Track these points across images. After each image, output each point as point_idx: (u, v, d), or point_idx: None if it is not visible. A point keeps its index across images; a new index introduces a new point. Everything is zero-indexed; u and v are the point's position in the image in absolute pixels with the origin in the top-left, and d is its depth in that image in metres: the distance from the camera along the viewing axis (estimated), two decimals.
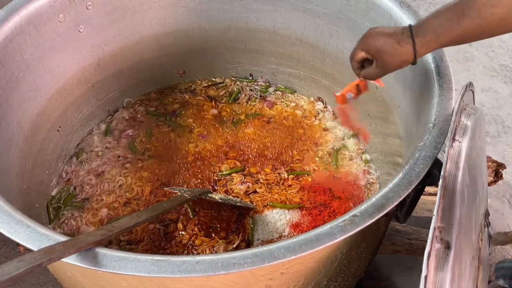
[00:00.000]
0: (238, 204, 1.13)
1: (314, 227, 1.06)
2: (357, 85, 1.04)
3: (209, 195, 1.12)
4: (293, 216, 1.15)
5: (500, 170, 1.47)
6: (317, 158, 1.30)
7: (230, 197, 1.17)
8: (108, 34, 1.26)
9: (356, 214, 0.69)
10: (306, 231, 1.09)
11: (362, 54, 0.89)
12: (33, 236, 0.66)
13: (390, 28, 0.85)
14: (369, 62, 0.90)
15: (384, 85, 1.00)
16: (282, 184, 1.23)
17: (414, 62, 0.83)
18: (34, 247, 0.65)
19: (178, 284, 0.72)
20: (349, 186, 1.23)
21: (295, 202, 1.18)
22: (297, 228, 1.13)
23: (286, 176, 1.25)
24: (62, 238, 0.66)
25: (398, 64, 0.84)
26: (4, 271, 0.55)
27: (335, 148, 1.33)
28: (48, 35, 1.10)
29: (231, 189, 1.21)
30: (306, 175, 1.25)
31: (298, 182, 1.24)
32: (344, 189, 1.22)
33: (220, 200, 1.11)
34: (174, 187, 1.19)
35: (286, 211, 1.16)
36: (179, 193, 1.06)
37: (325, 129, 1.40)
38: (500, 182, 1.51)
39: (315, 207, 1.16)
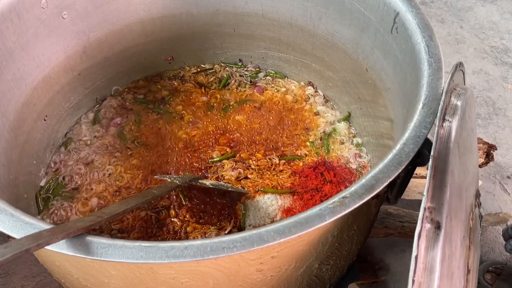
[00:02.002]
0: (230, 189, 1.13)
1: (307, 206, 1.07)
2: None
3: (200, 181, 1.11)
4: (285, 201, 1.14)
5: (491, 152, 1.47)
6: (308, 143, 1.30)
7: (221, 182, 1.16)
8: (93, 21, 1.23)
9: (346, 196, 0.69)
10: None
11: None
12: (18, 225, 0.65)
13: None
14: None
15: None
16: (274, 169, 1.23)
17: None
18: (18, 235, 0.64)
19: (168, 270, 0.71)
20: (340, 170, 1.23)
21: (286, 187, 1.18)
22: (289, 213, 1.13)
23: (277, 161, 1.24)
24: (47, 226, 0.65)
25: None
26: None
27: (326, 132, 1.33)
28: (31, 22, 1.08)
29: (222, 175, 1.20)
30: (297, 160, 1.25)
31: (289, 167, 1.23)
32: (335, 173, 1.21)
33: (211, 186, 1.10)
34: (164, 175, 1.17)
35: (278, 196, 1.15)
36: (169, 180, 1.05)
37: (316, 114, 1.39)
38: (491, 163, 1.52)
39: (306, 192, 1.16)
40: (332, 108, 1.41)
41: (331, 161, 1.26)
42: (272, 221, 1.12)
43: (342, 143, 1.32)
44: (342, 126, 1.35)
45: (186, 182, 1.06)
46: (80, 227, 0.65)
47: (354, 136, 1.33)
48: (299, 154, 1.27)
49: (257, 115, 1.37)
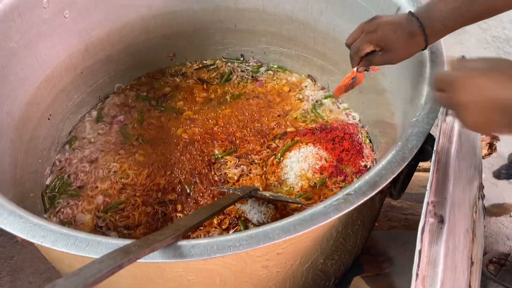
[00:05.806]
0: (289, 201, 1.11)
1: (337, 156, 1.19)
2: (353, 78, 0.99)
3: (259, 192, 1.10)
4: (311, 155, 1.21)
5: (494, 143, 1.47)
6: (297, 117, 1.34)
7: (279, 194, 1.15)
8: (94, 19, 1.23)
9: (350, 193, 0.69)
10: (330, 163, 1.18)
11: (370, 48, 0.83)
12: (27, 227, 0.66)
13: (395, 18, 0.80)
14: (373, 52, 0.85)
15: (379, 69, 1.00)
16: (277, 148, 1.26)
17: (424, 49, 0.81)
18: (28, 237, 0.65)
19: (175, 268, 0.72)
20: (345, 127, 1.30)
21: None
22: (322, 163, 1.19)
23: (277, 144, 1.26)
24: (55, 227, 0.66)
25: (409, 55, 0.81)
26: (87, 273, 0.53)
27: (310, 108, 1.38)
28: (33, 22, 1.08)
29: (225, 173, 1.20)
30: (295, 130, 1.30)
31: (296, 133, 1.28)
32: (338, 127, 1.30)
33: (271, 198, 1.09)
34: (222, 186, 1.17)
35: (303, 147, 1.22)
36: (228, 191, 1.07)
37: (300, 99, 1.41)
38: (494, 154, 1.52)
39: (327, 142, 1.23)
40: (318, 90, 1.45)
41: (331, 123, 1.32)
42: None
43: (331, 111, 1.38)
44: (327, 101, 1.41)
45: (247, 193, 1.05)
46: (163, 241, 0.64)
47: (340, 103, 1.41)
48: (288, 131, 1.30)
49: (246, 105, 1.38)
